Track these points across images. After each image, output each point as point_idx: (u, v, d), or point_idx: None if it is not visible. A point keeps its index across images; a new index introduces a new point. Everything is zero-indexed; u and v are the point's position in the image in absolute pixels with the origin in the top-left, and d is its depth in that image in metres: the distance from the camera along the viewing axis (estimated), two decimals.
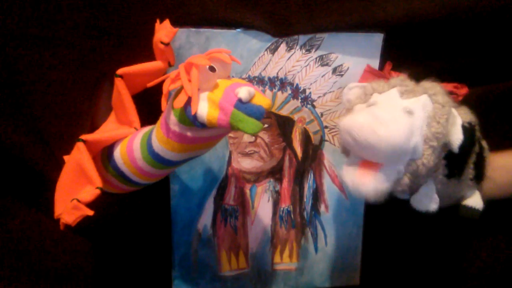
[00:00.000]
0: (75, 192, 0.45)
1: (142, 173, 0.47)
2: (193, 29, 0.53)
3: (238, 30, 0.54)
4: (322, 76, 0.58)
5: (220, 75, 0.41)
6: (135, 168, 0.47)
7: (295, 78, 0.58)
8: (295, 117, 0.60)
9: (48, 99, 0.53)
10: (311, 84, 0.58)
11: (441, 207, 0.49)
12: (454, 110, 0.48)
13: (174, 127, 0.42)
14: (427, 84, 0.48)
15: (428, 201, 0.48)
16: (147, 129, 0.47)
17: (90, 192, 0.44)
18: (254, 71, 0.57)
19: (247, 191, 0.62)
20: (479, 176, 0.53)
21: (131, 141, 0.47)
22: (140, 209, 0.60)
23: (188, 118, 0.40)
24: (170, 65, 0.48)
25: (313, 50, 0.56)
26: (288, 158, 0.62)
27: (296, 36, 0.55)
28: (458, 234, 0.65)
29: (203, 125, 0.40)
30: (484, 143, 0.54)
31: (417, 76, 0.56)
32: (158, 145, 0.44)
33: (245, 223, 0.63)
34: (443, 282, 0.70)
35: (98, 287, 0.61)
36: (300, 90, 0.58)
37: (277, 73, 0.57)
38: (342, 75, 0.58)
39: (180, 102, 0.39)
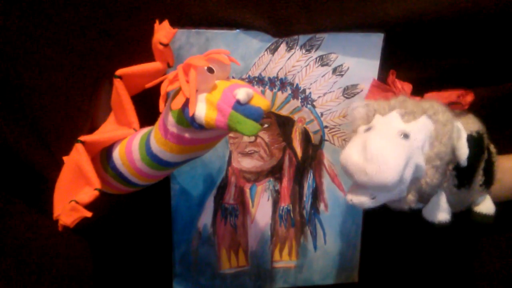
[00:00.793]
0: (73, 193, 0.45)
1: (141, 174, 0.47)
2: (193, 30, 0.53)
3: (238, 30, 0.54)
4: (322, 76, 0.58)
5: (219, 76, 0.41)
6: (134, 169, 0.47)
7: (295, 78, 0.58)
8: (295, 117, 0.60)
9: (47, 100, 0.53)
10: (311, 84, 0.58)
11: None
12: (458, 124, 0.47)
13: (172, 129, 0.42)
14: (425, 104, 0.47)
15: (440, 211, 0.48)
16: (146, 130, 0.47)
17: (88, 194, 0.44)
18: (254, 71, 0.56)
19: (247, 190, 0.62)
20: (488, 181, 0.53)
21: (130, 142, 0.47)
22: (141, 208, 0.60)
23: (186, 120, 0.40)
24: (169, 66, 0.48)
25: (313, 50, 0.56)
26: (288, 157, 0.62)
27: (296, 36, 0.55)
28: (458, 233, 0.65)
29: (201, 127, 0.40)
30: (492, 148, 0.54)
31: (417, 76, 0.57)
32: (156, 147, 0.44)
33: (245, 221, 0.64)
34: (442, 281, 0.70)
35: (99, 286, 0.62)
36: (300, 90, 0.58)
37: (277, 73, 0.57)
38: (342, 75, 0.58)
39: (178, 103, 0.39)
